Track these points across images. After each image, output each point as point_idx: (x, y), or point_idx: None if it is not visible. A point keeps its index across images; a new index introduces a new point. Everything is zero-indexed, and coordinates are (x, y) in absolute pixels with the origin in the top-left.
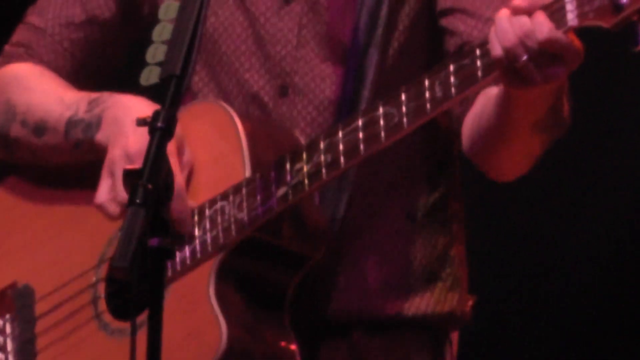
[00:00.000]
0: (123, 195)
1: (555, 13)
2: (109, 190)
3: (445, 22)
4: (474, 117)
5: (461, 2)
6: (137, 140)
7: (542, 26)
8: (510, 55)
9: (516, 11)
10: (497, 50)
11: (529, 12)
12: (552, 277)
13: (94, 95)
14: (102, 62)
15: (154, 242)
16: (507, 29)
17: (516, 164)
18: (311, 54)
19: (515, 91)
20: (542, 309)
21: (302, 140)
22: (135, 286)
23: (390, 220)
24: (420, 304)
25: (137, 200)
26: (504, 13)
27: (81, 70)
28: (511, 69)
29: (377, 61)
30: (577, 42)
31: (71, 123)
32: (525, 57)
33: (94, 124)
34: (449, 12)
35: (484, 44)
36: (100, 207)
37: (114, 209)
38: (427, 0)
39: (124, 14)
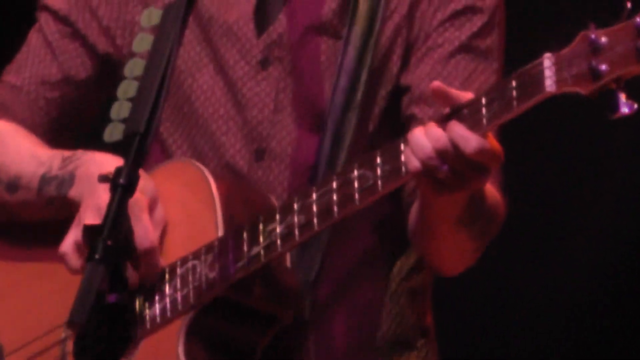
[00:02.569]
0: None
1: (473, 115)
2: (74, 242)
3: (405, 100)
4: (413, 210)
5: (419, 85)
6: (107, 196)
7: (468, 140)
8: (429, 167)
9: (437, 94)
10: (414, 163)
11: (445, 99)
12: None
13: (67, 152)
14: (78, 120)
15: (112, 298)
16: (424, 143)
17: (449, 260)
18: (288, 119)
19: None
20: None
21: (277, 203)
22: (93, 341)
23: (365, 287)
24: None
25: (97, 256)
26: (418, 131)
27: (57, 128)
28: (431, 179)
29: (355, 125)
30: (496, 144)
31: (45, 180)
32: (445, 167)
33: (67, 181)
34: (406, 90)
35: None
36: (62, 256)
37: (75, 261)
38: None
39: (100, 75)
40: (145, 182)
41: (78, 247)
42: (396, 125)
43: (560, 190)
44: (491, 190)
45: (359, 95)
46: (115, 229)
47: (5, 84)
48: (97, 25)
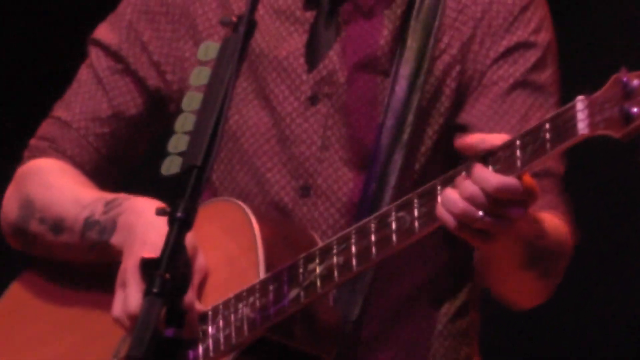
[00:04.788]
0: (132, 308)
1: (508, 158)
2: (122, 303)
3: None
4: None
5: (477, 124)
6: (149, 250)
7: (486, 180)
8: (465, 218)
9: (465, 148)
10: (449, 220)
11: (470, 150)
12: None
13: (110, 196)
14: (126, 156)
15: (169, 332)
16: (453, 197)
17: (517, 298)
18: (335, 156)
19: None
20: None
21: (321, 242)
22: None
23: (410, 328)
24: None
25: (154, 290)
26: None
27: (105, 164)
28: (472, 231)
29: (401, 165)
30: (529, 181)
31: (87, 224)
32: (480, 214)
33: (109, 228)
34: (464, 129)
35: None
36: (117, 321)
37: (128, 323)
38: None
39: (150, 110)
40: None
41: (125, 308)
42: (445, 163)
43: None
44: (554, 225)
45: (405, 135)
46: (172, 263)
47: (55, 119)
48: (148, 60)
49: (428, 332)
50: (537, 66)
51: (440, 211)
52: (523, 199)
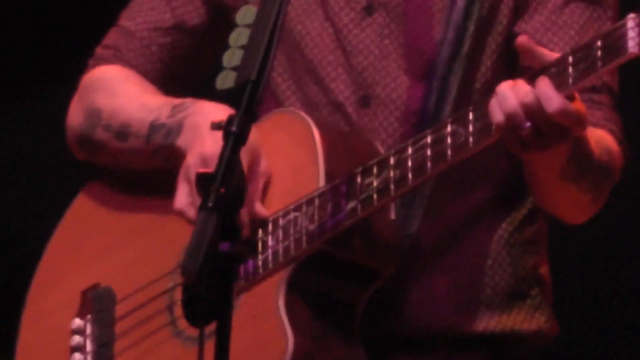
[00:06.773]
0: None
1: (560, 74)
2: (187, 195)
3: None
4: None
5: (535, 35)
6: (212, 145)
7: (550, 99)
8: (513, 122)
9: (523, 49)
10: (498, 117)
11: (530, 54)
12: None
13: (177, 101)
14: (190, 68)
15: (224, 246)
16: (510, 97)
17: (566, 210)
18: (393, 65)
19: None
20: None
21: (383, 152)
22: (204, 290)
23: (473, 240)
24: (507, 322)
25: (209, 204)
26: (505, 84)
27: (169, 75)
28: (514, 136)
29: (461, 77)
30: (581, 108)
31: (153, 128)
32: (528, 124)
33: (175, 130)
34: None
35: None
36: (180, 213)
37: (192, 213)
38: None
39: (214, 21)
40: (250, 136)
41: (192, 199)
42: (508, 77)
43: None
44: (605, 145)
45: (465, 47)
46: (227, 177)
47: (120, 28)
48: None
49: (491, 243)
50: None
51: (493, 105)
52: (573, 126)
